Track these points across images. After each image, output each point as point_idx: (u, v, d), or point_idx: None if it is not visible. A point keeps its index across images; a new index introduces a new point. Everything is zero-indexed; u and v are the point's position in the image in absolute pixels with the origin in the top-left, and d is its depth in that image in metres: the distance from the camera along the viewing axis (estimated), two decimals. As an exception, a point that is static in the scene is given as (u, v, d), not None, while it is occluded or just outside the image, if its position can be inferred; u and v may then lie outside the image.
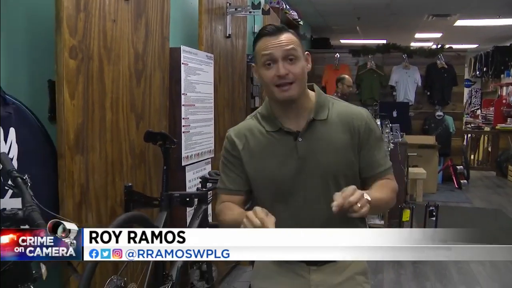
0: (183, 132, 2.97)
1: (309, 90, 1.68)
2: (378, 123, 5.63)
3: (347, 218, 1.44)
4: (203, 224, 2.76)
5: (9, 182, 1.66)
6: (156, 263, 2.30)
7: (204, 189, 2.79)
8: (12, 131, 1.95)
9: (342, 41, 11.61)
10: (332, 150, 1.62)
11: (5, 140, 1.93)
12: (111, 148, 2.38)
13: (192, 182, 3.11)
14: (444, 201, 6.75)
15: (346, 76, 6.23)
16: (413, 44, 11.25)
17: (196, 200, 2.64)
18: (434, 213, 5.12)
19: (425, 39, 11.34)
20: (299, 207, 1.64)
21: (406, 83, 8.27)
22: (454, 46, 8.97)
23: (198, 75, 3.19)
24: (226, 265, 3.67)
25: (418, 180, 6.86)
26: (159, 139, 2.41)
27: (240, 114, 4.07)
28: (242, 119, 4.30)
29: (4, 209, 1.51)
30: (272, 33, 1.57)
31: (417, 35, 11.05)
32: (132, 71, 2.54)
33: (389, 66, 8.44)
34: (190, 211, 3.01)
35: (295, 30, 6.37)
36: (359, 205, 1.38)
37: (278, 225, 1.49)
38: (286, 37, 1.57)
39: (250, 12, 3.82)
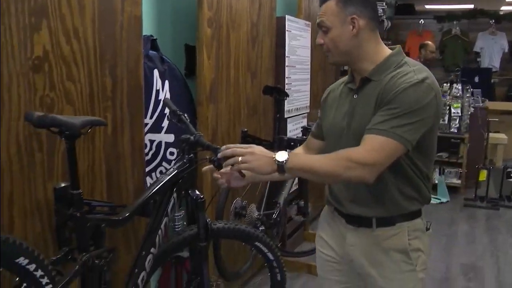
0: (286, 89, 3.53)
1: (385, 51, 1.65)
2: (459, 87, 5.91)
3: (380, 184, 1.55)
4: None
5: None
6: (270, 191, 2.92)
7: (304, 136, 3.36)
8: (166, 83, 2.59)
9: (427, 6, 11.62)
10: (365, 112, 1.59)
11: (162, 89, 2.58)
12: (233, 99, 2.98)
13: (291, 132, 3.69)
14: (525, 166, 6.91)
15: (429, 42, 6.53)
16: (504, 8, 11.08)
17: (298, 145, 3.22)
18: (511, 175, 5.44)
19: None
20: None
21: (492, 50, 8.37)
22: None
23: (298, 41, 3.72)
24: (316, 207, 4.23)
25: (498, 145, 7.08)
26: (275, 92, 2.98)
27: (330, 76, 4.59)
28: (332, 80, 4.83)
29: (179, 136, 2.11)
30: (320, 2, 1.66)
31: None
32: (249, 37, 3.12)
33: (475, 32, 8.55)
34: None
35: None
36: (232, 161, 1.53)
37: None
38: (324, 8, 1.62)
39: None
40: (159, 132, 2.58)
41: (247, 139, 3.04)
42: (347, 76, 1.77)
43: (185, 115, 2.22)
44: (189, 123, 2.17)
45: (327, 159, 1.51)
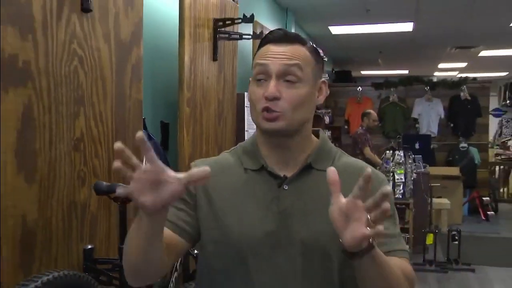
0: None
1: (313, 136, 1.45)
2: (401, 154, 6.97)
3: None
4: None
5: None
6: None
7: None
8: (152, 158, 3.33)
9: (363, 72, 13.15)
10: (327, 212, 1.15)
11: (149, 163, 3.31)
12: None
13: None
14: (470, 231, 7.83)
15: (372, 111, 7.65)
16: (437, 73, 12.73)
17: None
18: (456, 238, 6.44)
19: (449, 68, 12.87)
20: (265, 284, 1.33)
21: (429, 116, 9.68)
22: (481, 75, 10.43)
23: (255, 115, 4.59)
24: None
25: (442, 210, 8.16)
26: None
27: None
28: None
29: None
30: (277, 40, 1.35)
31: (441, 65, 12.56)
32: (216, 114, 3.95)
33: (412, 98, 9.86)
34: None
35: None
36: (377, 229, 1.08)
37: None
38: (293, 50, 1.33)
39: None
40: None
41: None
42: (229, 157, 1.46)
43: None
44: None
45: (395, 267, 1.26)
